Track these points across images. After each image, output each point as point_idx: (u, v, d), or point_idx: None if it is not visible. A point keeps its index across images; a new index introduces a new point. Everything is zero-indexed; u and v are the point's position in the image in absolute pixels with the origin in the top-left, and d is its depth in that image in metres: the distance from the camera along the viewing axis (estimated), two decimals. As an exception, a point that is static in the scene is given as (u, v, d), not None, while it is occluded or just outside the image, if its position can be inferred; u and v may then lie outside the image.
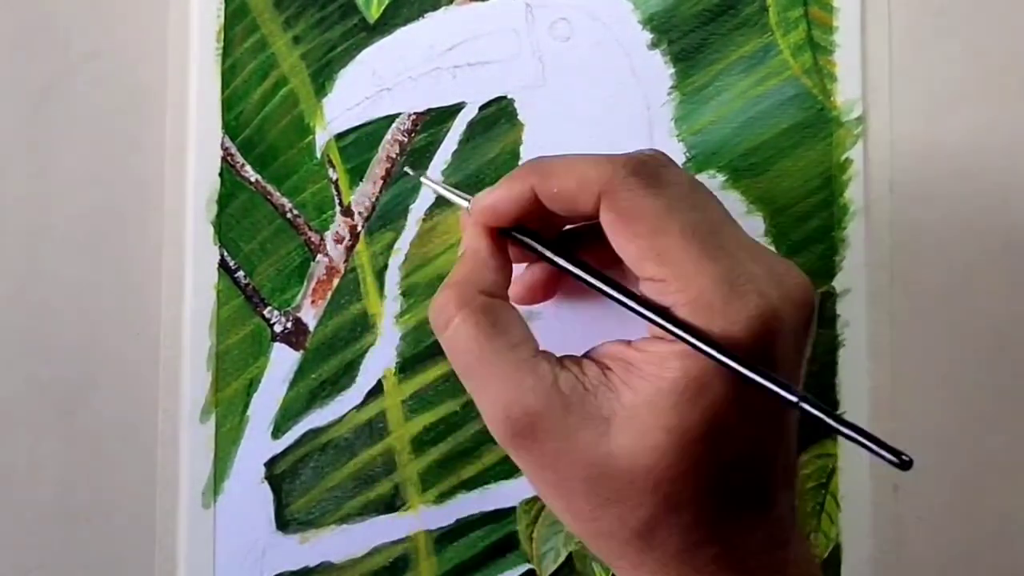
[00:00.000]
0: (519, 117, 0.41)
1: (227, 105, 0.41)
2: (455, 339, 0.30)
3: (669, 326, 0.28)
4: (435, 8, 0.41)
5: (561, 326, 0.41)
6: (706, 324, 0.28)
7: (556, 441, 0.28)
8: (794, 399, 0.26)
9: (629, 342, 0.30)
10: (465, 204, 0.33)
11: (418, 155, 0.41)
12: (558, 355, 0.30)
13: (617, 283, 0.30)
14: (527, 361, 0.29)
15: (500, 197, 0.31)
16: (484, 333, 0.30)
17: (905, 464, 0.25)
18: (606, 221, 0.29)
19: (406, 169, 0.40)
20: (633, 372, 0.29)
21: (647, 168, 0.29)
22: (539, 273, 0.35)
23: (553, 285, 0.36)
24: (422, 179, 0.38)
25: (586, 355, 0.31)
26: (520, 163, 0.33)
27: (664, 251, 0.28)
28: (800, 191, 0.41)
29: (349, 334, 0.41)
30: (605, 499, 0.28)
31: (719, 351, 0.27)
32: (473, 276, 0.31)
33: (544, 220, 0.32)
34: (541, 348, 0.30)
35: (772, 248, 0.41)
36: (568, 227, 0.35)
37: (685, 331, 0.27)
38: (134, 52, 0.41)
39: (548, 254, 0.31)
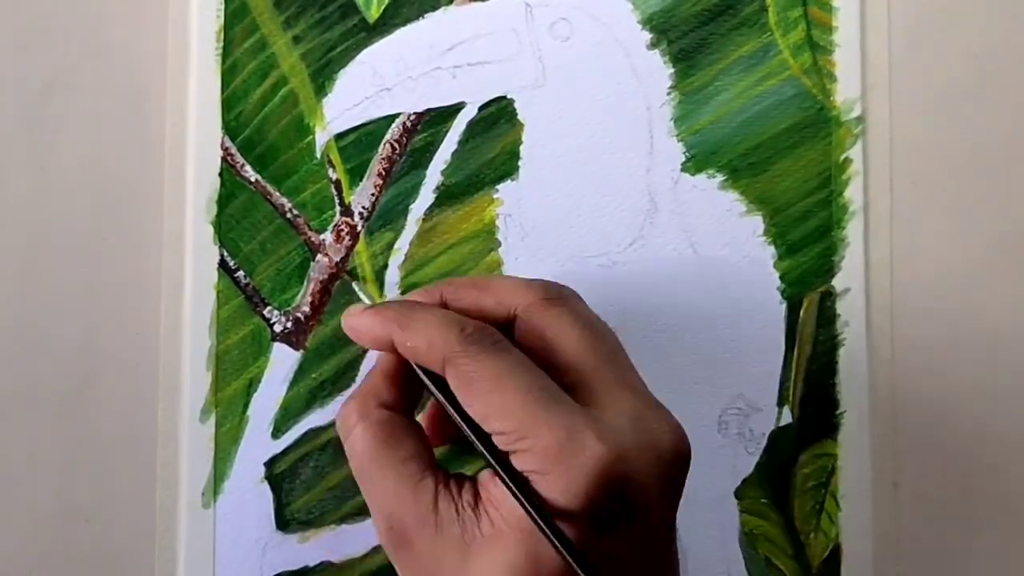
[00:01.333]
0: (519, 117, 0.41)
1: (227, 105, 0.41)
2: (353, 447, 0.32)
3: (501, 475, 0.29)
4: (435, 8, 0.41)
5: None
6: (545, 471, 0.29)
7: (426, 558, 0.30)
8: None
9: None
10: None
11: (418, 155, 0.41)
12: (450, 473, 0.32)
13: (474, 424, 0.31)
14: (412, 477, 0.31)
15: (362, 329, 0.33)
16: (378, 446, 0.32)
17: None
18: (452, 384, 0.31)
19: (353, 286, 0.40)
20: (493, 505, 0.30)
21: (490, 335, 0.31)
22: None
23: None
24: (355, 287, 0.39)
25: (474, 475, 0.32)
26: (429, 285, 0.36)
27: (503, 407, 0.29)
28: (799, 191, 0.41)
29: (349, 334, 0.41)
30: None
31: (524, 504, 0.28)
32: (375, 390, 0.33)
33: None
34: (435, 463, 0.32)
35: (772, 248, 0.41)
36: None
37: (513, 480, 0.29)
38: (134, 52, 0.41)
39: (430, 386, 0.32)
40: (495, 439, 0.30)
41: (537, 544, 0.28)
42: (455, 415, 0.31)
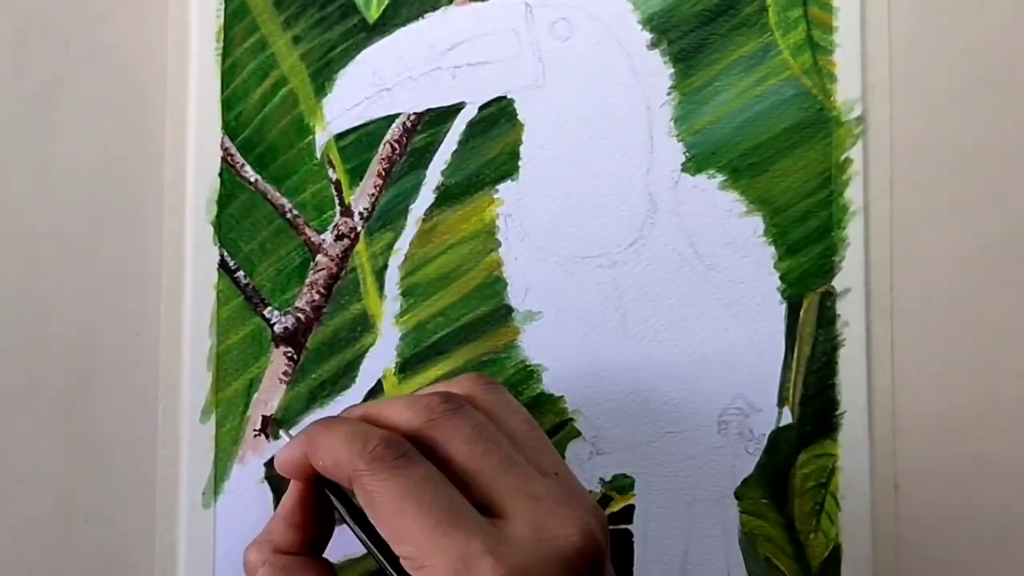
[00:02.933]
0: (519, 117, 0.41)
1: (227, 105, 0.41)
2: None
3: None
4: (435, 8, 0.41)
5: (560, 329, 0.41)
6: None
7: None
8: None
9: None
10: None
11: (418, 155, 0.41)
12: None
13: (387, 550, 0.31)
14: None
15: (283, 458, 0.33)
16: None
17: None
18: (360, 503, 0.31)
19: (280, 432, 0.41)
20: None
21: (396, 449, 0.31)
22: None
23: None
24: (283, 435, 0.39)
25: None
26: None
27: (403, 532, 0.29)
28: (800, 191, 0.41)
29: (349, 334, 0.41)
30: None
31: None
32: (274, 534, 0.33)
33: None
34: None
35: (772, 248, 0.41)
36: None
37: None
38: (134, 52, 0.41)
39: (340, 510, 0.33)
40: (403, 563, 0.30)
41: None
42: (367, 541, 0.31)
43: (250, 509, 0.40)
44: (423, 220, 0.41)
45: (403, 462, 0.30)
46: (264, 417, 0.41)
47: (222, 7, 0.41)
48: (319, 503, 0.33)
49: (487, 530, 0.29)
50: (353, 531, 0.32)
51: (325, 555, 0.35)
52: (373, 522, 0.30)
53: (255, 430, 0.41)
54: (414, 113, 0.41)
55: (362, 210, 0.41)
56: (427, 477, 0.30)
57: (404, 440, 0.31)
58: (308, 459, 0.32)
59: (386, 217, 0.41)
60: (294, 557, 0.33)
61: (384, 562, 0.31)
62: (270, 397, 0.41)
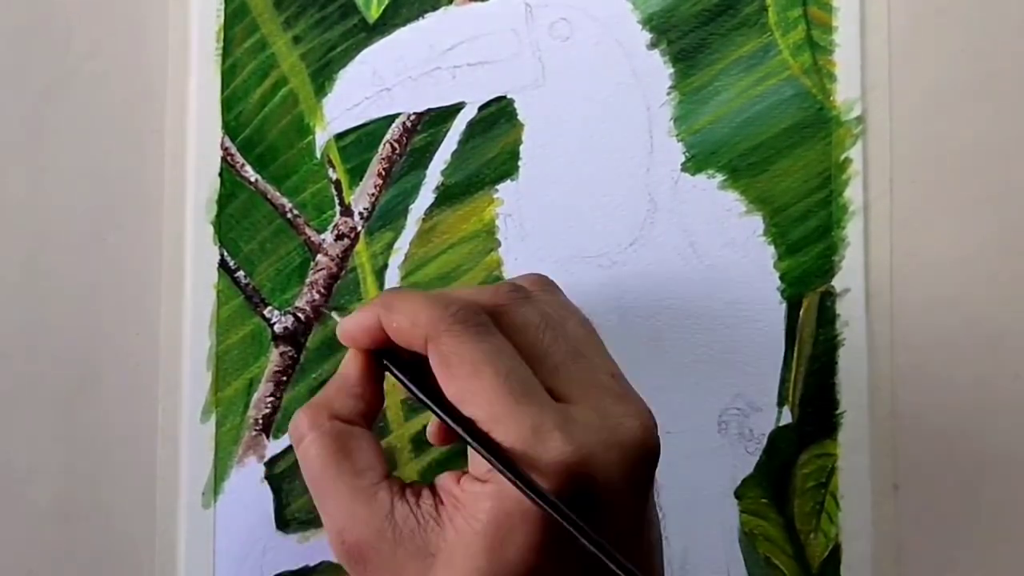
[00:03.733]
0: (519, 117, 0.41)
1: (227, 105, 0.41)
2: (304, 457, 0.31)
3: (485, 454, 0.29)
4: (435, 8, 0.41)
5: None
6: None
7: (385, 571, 0.30)
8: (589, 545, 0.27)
9: (462, 475, 0.30)
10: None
11: (418, 155, 0.41)
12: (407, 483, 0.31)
13: (459, 414, 0.30)
14: (366, 490, 0.30)
15: (352, 324, 0.32)
16: (329, 457, 0.31)
17: None
18: (432, 363, 0.30)
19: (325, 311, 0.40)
20: (458, 509, 0.29)
21: (475, 316, 0.30)
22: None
23: None
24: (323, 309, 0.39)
25: (432, 483, 0.31)
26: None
27: (476, 394, 0.29)
28: (799, 191, 0.41)
29: (349, 334, 0.41)
30: None
31: (530, 488, 0.28)
32: (330, 400, 0.32)
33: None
34: (389, 474, 0.31)
35: (772, 248, 0.41)
36: None
37: (504, 464, 0.28)
38: (134, 52, 0.42)
39: (401, 379, 0.32)
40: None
41: (497, 546, 0.28)
42: (433, 406, 0.30)
43: (250, 509, 0.40)
44: (423, 220, 0.41)
45: (483, 330, 0.30)
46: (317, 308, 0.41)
47: (222, 7, 0.41)
48: (377, 376, 0.33)
49: (557, 408, 0.29)
50: (417, 397, 0.31)
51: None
52: (442, 384, 0.30)
53: (255, 430, 0.41)
54: (414, 113, 0.41)
55: (362, 210, 0.41)
56: (504, 348, 0.30)
57: (482, 311, 0.31)
58: (379, 325, 0.31)
59: (386, 217, 0.41)
60: (350, 427, 0.32)
61: (454, 424, 0.30)
62: (270, 397, 0.41)
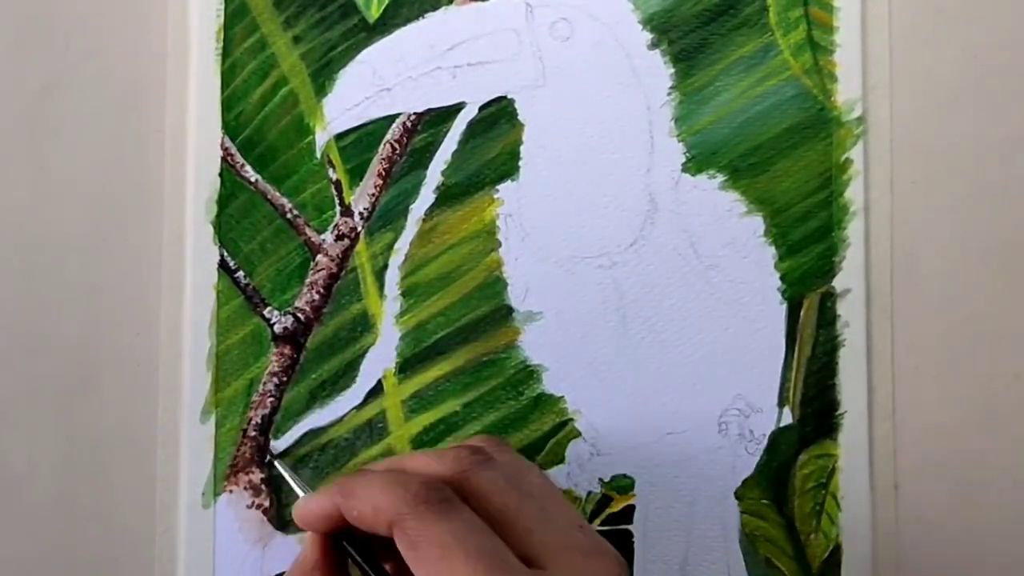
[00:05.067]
0: (519, 117, 0.41)
1: (227, 105, 0.41)
2: None
3: None
4: (435, 8, 0.41)
5: (560, 329, 0.41)
6: None
7: None
8: None
9: None
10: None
11: (418, 155, 0.41)
12: None
13: None
14: None
15: (308, 510, 0.32)
16: None
17: None
18: (399, 547, 0.30)
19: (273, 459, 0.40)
20: None
21: (438, 493, 0.30)
22: None
23: None
24: (276, 463, 0.39)
25: None
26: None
27: None
28: (800, 191, 0.41)
29: (349, 334, 0.41)
30: None
31: None
32: None
33: None
34: None
35: (772, 248, 0.41)
36: None
37: None
38: (134, 52, 0.41)
39: (363, 567, 0.32)
40: None
41: None
42: None
43: (250, 509, 0.40)
44: (423, 220, 0.41)
45: (447, 506, 0.30)
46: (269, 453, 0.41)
47: (222, 7, 0.41)
48: (337, 559, 0.33)
49: (537, 561, 0.29)
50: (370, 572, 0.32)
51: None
52: (413, 568, 0.29)
53: (255, 430, 0.41)
54: (414, 113, 0.41)
55: (362, 210, 0.41)
56: (472, 522, 0.30)
57: (445, 485, 0.31)
58: (338, 510, 0.31)
59: (386, 217, 0.41)
60: None
61: None
62: (270, 397, 0.41)
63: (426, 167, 0.41)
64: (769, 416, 0.41)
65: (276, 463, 0.38)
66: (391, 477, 0.31)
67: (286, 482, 0.39)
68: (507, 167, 0.41)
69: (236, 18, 0.41)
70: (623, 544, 0.40)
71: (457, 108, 0.41)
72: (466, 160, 0.41)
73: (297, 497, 0.35)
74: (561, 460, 0.41)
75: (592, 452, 0.41)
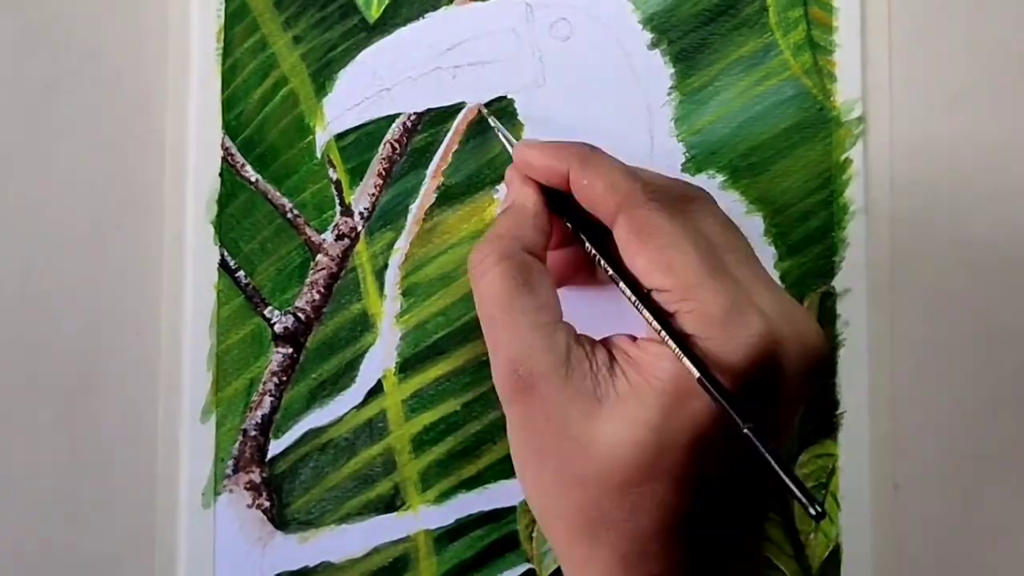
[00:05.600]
0: (519, 117, 0.41)
1: (227, 105, 0.41)
2: (488, 289, 0.31)
3: (658, 327, 0.29)
4: (435, 8, 0.41)
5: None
6: (707, 335, 0.28)
7: (550, 407, 0.29)
8: (742, 425, 0.27)
9: (636, 339, 0.31)
10: (511, 150, 0.35)
11: (418, 155, 0.41)
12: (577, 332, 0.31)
13: (633, 280, 0.31)
14: (547, 326, 0.30)
15: (537, 157, 0.32)
16: (516, 289, 0.31)
17: (818, 516, 0.26)
18: (620, 235, 0.30)
19: (483, 111, 0.40)
20: (632, 366, 0.29)
21: (671, 198, 0.31)
22: (559, 258, 0.36)
23: (568, 274, 0.37)
24: (487, 115, 0.38)
25: (600, 341, 0.31)
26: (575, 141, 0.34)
27: (673, 263, 0.29)
28: (800, 191, 0.41)
29: (349, 334, 0.41)
30: (572, 480, 0.29)
31: (692, 360, 0.28)
32: (517, 231, 0.32)
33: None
34: (564, 319, 0.31)
35: (772, 248, 0.41)
36: None
37: (674, 337, 0.29)
38: (134, 52, 0.41)
39: (581, 234, 0.32)
40: (655, 295, 0.30)
41: (674, 404, 0.28)
42: (612, 267, 0.31)
43: (250, 509, 0.40)
44: (423, 220, 0.41)
45: (678, 211, 0.30)
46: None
47: (222, 7, 0.41)
48: (550, 210, 0.33)
49: (751, 291, 0.29)
50: (596, 252, 0.32)
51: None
52: (632, 251, 0.30)
53: (255, 430, 0.41)
54: (414, 113, 0.41)
55: (362, 210, 0.41)
56: (699, 230, 0.30)
57: (675, 197, 0.31)
58: (565, 171, 0.32)
59: (386, 217, 0.41)
60: (535, 261, 0.32)
61: (628, 289, 0.30)
62: (270, 397, 0.41)
63: (426, 167, 0.41)
64: (769, 416, 0.41)
65: (487, 115, 0.38)
66: (631, 169, 0.31)
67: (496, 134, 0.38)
68: (507, 167, 0.41)
69: (236, 18, 0.41)
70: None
71: (457, 108, 0.41)
72: (466, 160, 0.41)
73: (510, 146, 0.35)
74: (561, 460, 0.41)
75: (592, 452, 0.41)
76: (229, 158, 0.41)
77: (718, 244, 0.31)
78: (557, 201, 0.33)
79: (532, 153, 0.33)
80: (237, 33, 0.41)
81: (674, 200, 0.31)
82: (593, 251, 0.32)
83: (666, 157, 0.41)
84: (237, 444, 0.41)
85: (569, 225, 0.33)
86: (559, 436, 0.29)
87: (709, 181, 0.41)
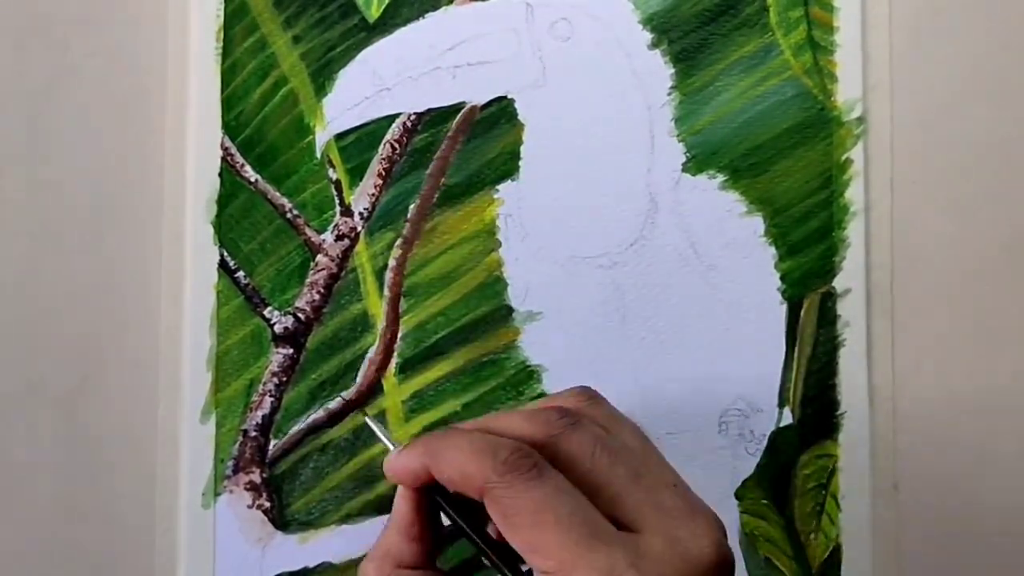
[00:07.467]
0: (519, 117, 0.41)
1: (227, 105, 0.41)
2: None
3: None
4: (435, 8, 0.41)
5: (560, 329, 0.41)
6: None
7: None
8: None
9: None
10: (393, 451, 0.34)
11: (418, 155, 0.41)
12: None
13: (514, 563, 0.31)
14: None
15: (398, 467, 0.32)
16: None
17: None
18: (491, 514, 0.30)
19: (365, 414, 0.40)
20: None
21: (526, 460, 0.30)
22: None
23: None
24: (366, 417, 0.37)
25: None
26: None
27: (543, 546, 0.29)
28: (800, 191, 0.41)
29: (349, 334, 0.41)
30: None
31: None
32: (393, 548, 0.32)
33: None
34: None
35: (773, 248, 0.41)
36: None
37: None
38: (134, 52, 0.41)
39: (458, 522, 0.32)
40: (538, 574, 0.29)
41: None
42: (488, 551, 0.31)
43: (250, 509, 0.40)
44: (423, 220, 0.41)
45: (536, 473, 0.30)
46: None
47: (222, 7, 0.41)
48: (430, 511, 0.33)
49: (626, 544, 0.29)
50: (472, 541, 0.31)
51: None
52: (506, 536, 0.29)
53: (255, 430, 0.41)
54: (414, 113, 0.41)
55: (362, 210, 0.41)
56: (562, 489, 0.30)
57: (534, 451, 0.30)
58: (427, 470, 0.31)
59: (386, 217, 0.41)
60: (417, 571, 0.32)
61: (506, 572, 0.30)
62: (270, 397, 0.41)
63: (426, 167, 0.41)
64: (769, 416, 0.41)
65: (366, 418, 0.37)
66: (480, 442, 0.31)
67: (375, 435, 0.38)
68: (507, 167, 0.41)
69: (236, 18, 0.41)
70: (623, 544, 0.40)
71: (457, 108, 0.41)
72: (466, 160, 0.41)
73: (387, 451, 0.35)
74: (561, 460, 0.41)
75: (592, 452, 0.41)
76: (229, 158, 0.41)
77: (593, 473, 0.30)
78: (443, 492, 0.33)
79: (391, 463, 0.32)
80: (237, 33, 0.41)
81: (533, 459, 0.30)
82: (471, 536, 0.31)
83: (666, 157, 0.41)
84: (237, 444, 0.40)
85: (454, 519, 0.33)
86: None
87: (710, 181, 0.41)
